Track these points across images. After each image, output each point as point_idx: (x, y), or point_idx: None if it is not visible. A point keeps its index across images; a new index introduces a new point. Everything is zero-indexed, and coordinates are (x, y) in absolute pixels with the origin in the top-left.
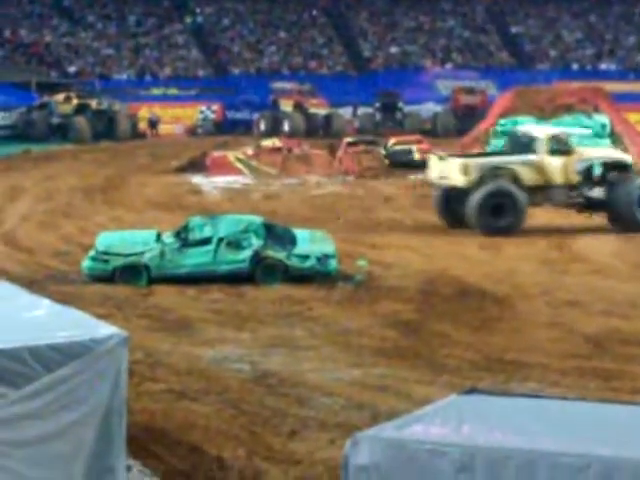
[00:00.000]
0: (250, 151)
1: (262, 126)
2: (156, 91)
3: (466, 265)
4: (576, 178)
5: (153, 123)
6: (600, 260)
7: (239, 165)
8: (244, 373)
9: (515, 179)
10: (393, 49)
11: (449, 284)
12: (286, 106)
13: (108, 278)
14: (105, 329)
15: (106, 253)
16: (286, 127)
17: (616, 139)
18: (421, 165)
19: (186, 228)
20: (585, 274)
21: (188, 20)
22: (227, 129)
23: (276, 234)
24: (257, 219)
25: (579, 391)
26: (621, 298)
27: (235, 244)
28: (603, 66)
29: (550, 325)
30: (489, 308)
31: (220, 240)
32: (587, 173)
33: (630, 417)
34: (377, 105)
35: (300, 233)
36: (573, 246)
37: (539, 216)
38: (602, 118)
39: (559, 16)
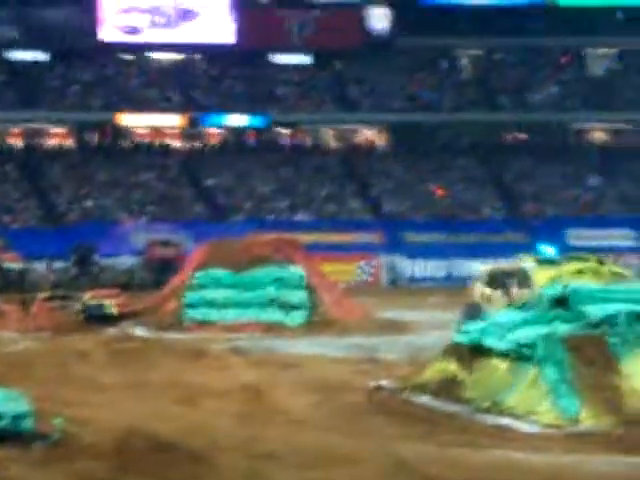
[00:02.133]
0: None
1: None
2: None
3: (162, 420)
4: None
5: None
6: (298, 411)
7: None
8: None
9: None
10: (88, 203)
11: (144, 439)
12: None
13: None
14: None
15: None
16: None
17: (312, 290)
18: (117, 319)
19: None
20: (282, 425)
21: None
22: None
23: None
24: None
25: None
26: (316, 450)
27: None
28: (298, 217)
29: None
30: (185, 463)
31: None
32: None
33: None
34: (73, 259)
35: None
36: (272, 398)
37: (239, 367)
38: (298, 269)
39: (252, 169)
